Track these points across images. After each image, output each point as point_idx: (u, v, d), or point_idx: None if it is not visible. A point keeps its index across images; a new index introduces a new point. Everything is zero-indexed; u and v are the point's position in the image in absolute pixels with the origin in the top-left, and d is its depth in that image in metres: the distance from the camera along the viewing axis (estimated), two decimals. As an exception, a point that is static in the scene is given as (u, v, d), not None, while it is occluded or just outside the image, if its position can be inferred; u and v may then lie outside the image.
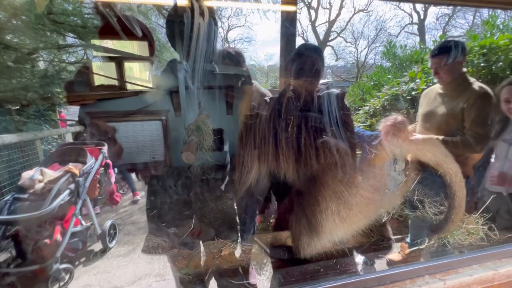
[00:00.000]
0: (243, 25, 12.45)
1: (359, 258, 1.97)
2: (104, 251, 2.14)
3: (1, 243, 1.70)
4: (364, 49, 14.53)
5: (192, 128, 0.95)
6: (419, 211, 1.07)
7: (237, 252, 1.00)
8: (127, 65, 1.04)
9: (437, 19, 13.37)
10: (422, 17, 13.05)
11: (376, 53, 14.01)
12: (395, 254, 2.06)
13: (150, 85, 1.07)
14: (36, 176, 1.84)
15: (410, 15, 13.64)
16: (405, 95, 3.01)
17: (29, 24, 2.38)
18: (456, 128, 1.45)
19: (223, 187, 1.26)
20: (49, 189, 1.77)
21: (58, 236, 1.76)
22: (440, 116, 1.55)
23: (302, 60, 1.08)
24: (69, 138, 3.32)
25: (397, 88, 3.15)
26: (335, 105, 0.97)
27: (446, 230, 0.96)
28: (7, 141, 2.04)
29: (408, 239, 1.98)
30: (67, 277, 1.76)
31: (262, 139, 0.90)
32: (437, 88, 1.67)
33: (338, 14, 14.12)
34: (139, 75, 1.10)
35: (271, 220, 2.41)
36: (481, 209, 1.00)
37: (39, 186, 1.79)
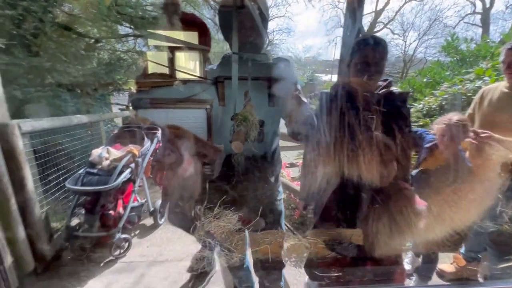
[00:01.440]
0: (283, 16, 12.17)
1: (407, 264, 1.88)
2: (154, 226, 2.33)
3: (75, 210, 1.95)
4: (413, 41, 13.26)
5: (240, 118, 0.96)
6: (505, 225, 0.96)
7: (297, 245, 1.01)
8: (178, 54, 1.09)
9: (506, 7, 11.60)
10: (487, 5, 11.44)
11: (427, 47, 12.70)
12: (446, 265, 1.91)
13: (199, 75, 1.10)
14: (103, 154, 2.05)
15: (473, 4, 12.03)
16: (469, 94, 2.71)
17: (98, 15, 2.62)
18: None
19: (273, 179, 1.27)
20: (114, 167, 1.96)
21: (120, 209, 1.96)
22: (509, 119, 1.39)
23: (367, 54, 0.98)
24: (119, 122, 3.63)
25: (460, 87, 2.85)
26: (399, 105, 0.89)
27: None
28: (79, 121, 2.31)
29: (462, 250, 1.83)
30: (126, 245, 1.97)
31: (327, 139, 0.87)
32: (501, 87, 1.49)
33: (387, 3, 13.02)
34: (185, 64, 1.13)
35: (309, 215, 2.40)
36: None
37: (105, 163, 2.00)
